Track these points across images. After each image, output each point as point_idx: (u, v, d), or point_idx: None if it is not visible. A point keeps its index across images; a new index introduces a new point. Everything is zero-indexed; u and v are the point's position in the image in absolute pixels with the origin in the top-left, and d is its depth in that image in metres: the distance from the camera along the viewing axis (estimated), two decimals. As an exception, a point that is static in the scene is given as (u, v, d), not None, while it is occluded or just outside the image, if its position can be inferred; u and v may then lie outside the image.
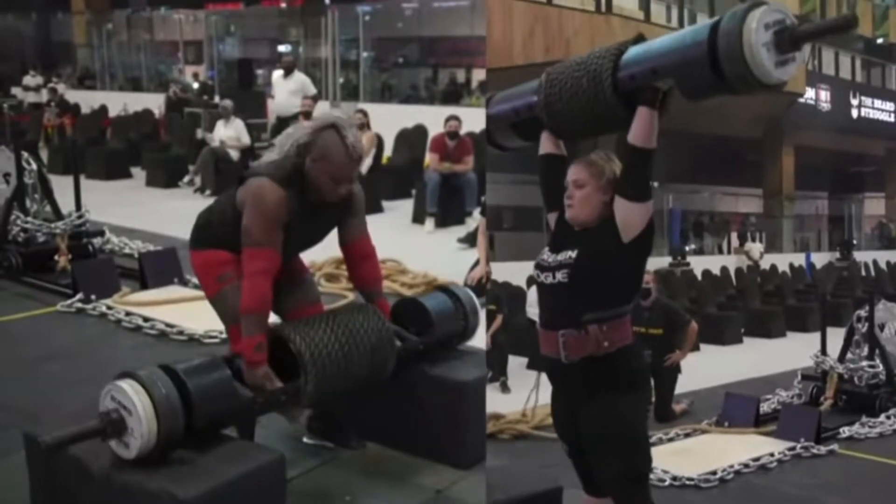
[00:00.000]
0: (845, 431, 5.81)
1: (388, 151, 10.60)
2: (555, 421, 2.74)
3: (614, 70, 2.47)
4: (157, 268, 5.96)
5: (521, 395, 5.58)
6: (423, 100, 18.84)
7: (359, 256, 3.27)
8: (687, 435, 5.68)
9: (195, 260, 3.22)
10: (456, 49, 20.52)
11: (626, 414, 2.55)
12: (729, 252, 22.80)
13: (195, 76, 17.90)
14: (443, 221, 8.54)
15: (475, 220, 7.99)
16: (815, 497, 4.76)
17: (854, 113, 16.59)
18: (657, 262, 17.10)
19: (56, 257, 6.18)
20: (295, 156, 2.96)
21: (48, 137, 15.00)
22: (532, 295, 8.77)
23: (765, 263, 17.55)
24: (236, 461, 2.70)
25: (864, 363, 6.45)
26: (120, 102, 16.36)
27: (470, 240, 7.43)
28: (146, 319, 5.15)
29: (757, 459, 5.20)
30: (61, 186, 6.72)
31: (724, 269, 16.27)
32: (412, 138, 11.04)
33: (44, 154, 11.62)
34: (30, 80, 18.68)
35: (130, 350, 4.82)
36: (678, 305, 7.22)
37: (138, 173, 12.03)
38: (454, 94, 18.62)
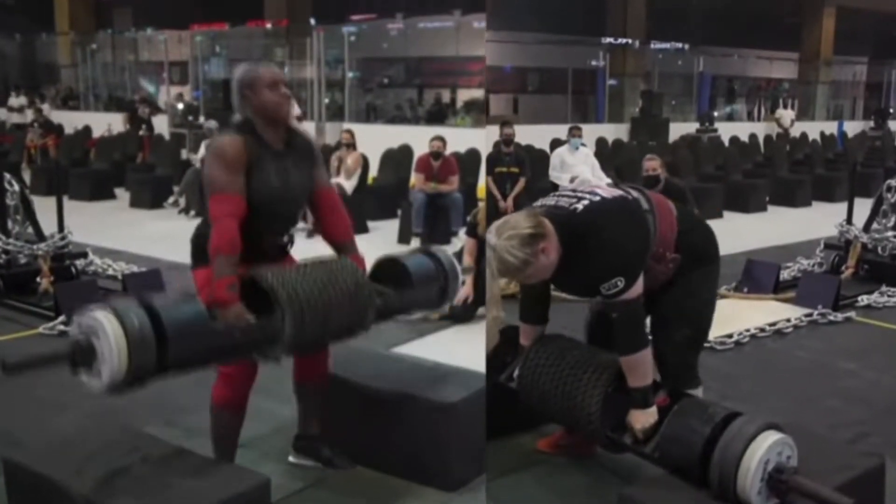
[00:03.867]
0: (863, 300, 5.84)
1: (373, 172, 10.60)
2: None
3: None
4: (141, 289, 5.92)
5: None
6: (408, 120, 18.86)
7: (326, 207, 3.25)
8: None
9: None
10: (441, 69, 20.58)
11: (695, 282, 3.00)
12: (759, 119, 22.13)
13: (180, 96, 17.86)
14: (429, 241, 8.53)
15: (461, 239, 7.97)
16: (828, 361, 4.79)
17: (907, -31, 15.83)
18: (685, 128, 16.75)
19: (38, 279, 6.15)
20: (241, 107, 3.07)
21: (31, 158, 14.94)
22: (556, 159, 8.76)
23: (795, 131, 17.23)
24: (221, 485, 2.67)
25: (890, 233, 6.48)
26: (104, 123, 16.32)
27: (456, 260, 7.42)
28: (129, 341, 5.09)
29: (773, 324, 5.27)
30: (45, 208, 6.68)
31: (753, 137, 16.00)
32: (397, 158, 11.06)
33: (27, 175, 11.57)
34: (14, 100, 18.62)
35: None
36: (686, 186, 7.35)
37: (122, 194, 12.00)
38: (439, 115, 18.67)
